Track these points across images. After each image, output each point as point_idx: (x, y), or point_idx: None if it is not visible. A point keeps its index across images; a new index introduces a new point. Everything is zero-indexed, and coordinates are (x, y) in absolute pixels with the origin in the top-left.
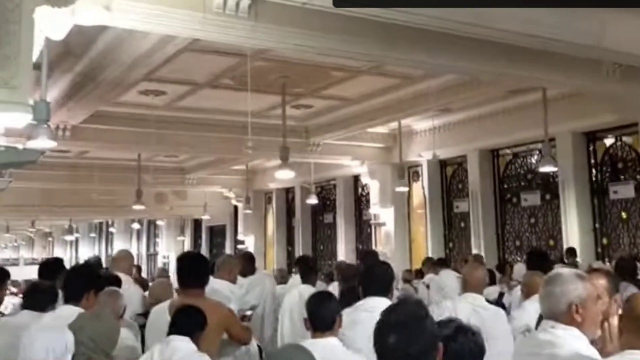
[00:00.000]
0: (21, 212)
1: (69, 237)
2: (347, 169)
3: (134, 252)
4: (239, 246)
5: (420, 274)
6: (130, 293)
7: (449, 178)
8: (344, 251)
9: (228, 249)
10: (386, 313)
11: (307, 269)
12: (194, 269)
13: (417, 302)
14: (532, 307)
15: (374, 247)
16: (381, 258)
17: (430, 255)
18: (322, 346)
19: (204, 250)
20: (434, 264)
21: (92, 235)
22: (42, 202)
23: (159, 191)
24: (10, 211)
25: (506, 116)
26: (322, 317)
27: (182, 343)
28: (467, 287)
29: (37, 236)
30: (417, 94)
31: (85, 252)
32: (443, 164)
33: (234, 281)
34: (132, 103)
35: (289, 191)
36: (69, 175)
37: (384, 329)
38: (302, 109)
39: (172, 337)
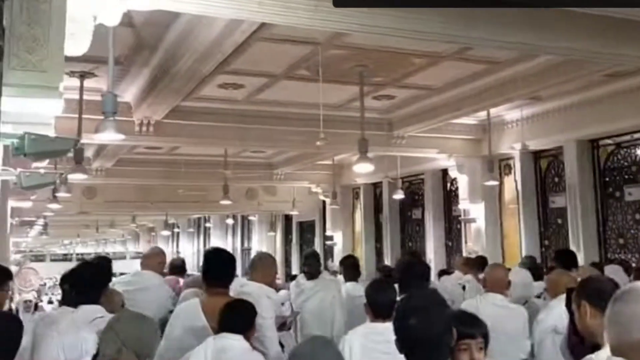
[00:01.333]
0: (120, 208)
1: (165, 233)
2: (435, 162)
3: (228, 247)
4: (328, 242)
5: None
6: (158, 290)
7: (544, 171)
8: (433, 248)
9: (317, 245)
10: (407, 299)
11: (350, 267)
12: (219, 267)
13: (434, 291)
14: (559, 308)
15: (464, 244)
16: (471, 256)
17: (524, 253)
18: (380, 330)
19: (295, 246)
20: (473, 264)
21: (191, 230)
22: (138, 198)
23: (249, 187)
24: (110, 207)
25: (607, 103)
26: (380, 303)
27: (235, 341)
28: (487, 286)
29: (142, 231)
30: (505, 80)
31: (185, 247)
32: (537, 156)
33: (271, 283)
34: (212, 97)
35: (376, 186)
36: (161, 172)
37: (405, 312)
38: (384, 100)
39: (224, 334)
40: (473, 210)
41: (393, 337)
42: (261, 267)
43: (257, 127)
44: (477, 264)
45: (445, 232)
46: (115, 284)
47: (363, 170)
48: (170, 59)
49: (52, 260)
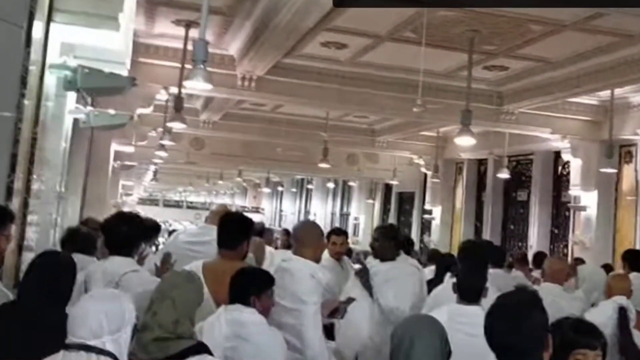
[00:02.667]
0: (225, 161)
1: (266, 190)
2: (546, 143)
3: (327, 211)
4: (426, 216)
5: None
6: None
7: None
8: (536, 233)
9: (415, 218)
10: (501, 297)
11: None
12: (229, 229)
13: (533, 292)
14: (610, 307)
15: (570, 233)
16: (577, 247)
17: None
18: (466, 312)
19: (392, 217)
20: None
21: (293, 190)
22: (242, 153)
23: (350, 152)
24: (215, 159)
25: None
26: (469, 287)
27: (250, 315)
28: (546, 278)
29: (249, 186)
30: (635, 57)
31: (287, 206)
32: None
33: (317, 259)
34: (314, 56)
35: (481, 163)
36: (264, 129)
37: (494, 312)
38: (495, 71)
39: (237, 306)
40: (585, 197)
41: (479, 320)
42: (308, 240)
43: (357, 91)
44: (531, 261)
45: (551, 219)
46: (180, 234)
47: (465, 144)
48: (271, 11)
49: (164, 205)
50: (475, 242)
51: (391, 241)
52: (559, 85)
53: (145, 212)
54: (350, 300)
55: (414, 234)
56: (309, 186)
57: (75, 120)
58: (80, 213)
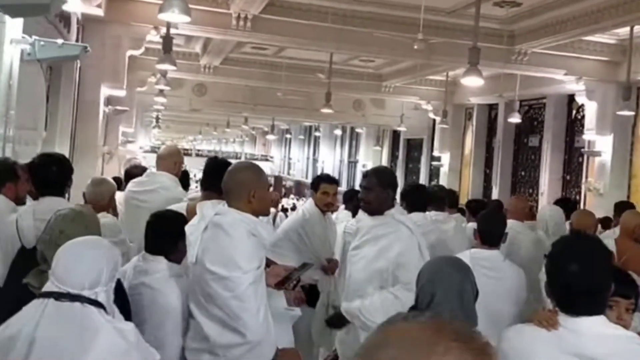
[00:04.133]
0: (228, 108)
1: (271, 137)
2: (560, 85)
3: (336, 158)
4: (434, 163)
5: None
6: (169, 193)
7: None
8: (547, 180)
9: (423, 165)
10: (568, 242)
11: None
12: (210, 172)
13: (597, 239)
14: None
15: (584, 179)
16: (590, 194)
17: None
18: (487, 256)
19: (400, 164)
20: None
21: (301, 137)
22: (245, 99)
23: (357, 98)
24: (219, 106)
25: None
26: (492, 232)
27: (157, 265)
28: (509, 215)
29: (258, 134)
30: None
31: (296, 153)
32: None
33: (258, 212)
34: None
35: (491, 108)
36: (266, 74)
37: (565, 257)
38: (507, 8)
39: (144, 256)
40: (599, 142)
41: (499, 264)
42: (242, 186)
43: (358, 30)
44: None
45: (564, 165)
46: (130, 183)
47: (472, 84)
48: None
49: None
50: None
51: (387, 189)
52: (575, 21)
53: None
54: (306, 266)
55: (422, 181)
56: (317, 133)
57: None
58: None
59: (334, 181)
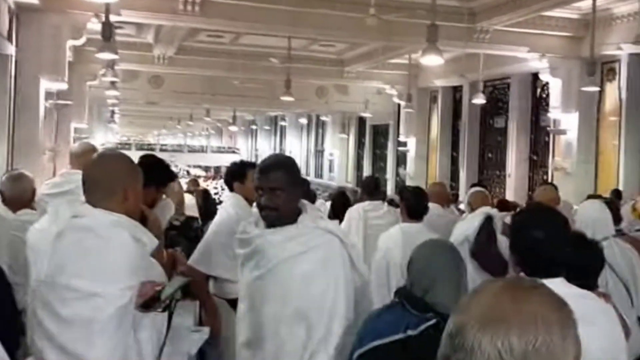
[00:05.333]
0: (187, 100)
1: (233, 128)
2: (524, 64)
3: (303, 147)
4: (400, 148)
5: None
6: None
7: None
8: (514, 161)
9: (390, 151)
10: (531, 211)
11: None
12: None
13: (555, 210)
14: (477, 219)
15: (550, 158)
16: (558, 174)
17: (621, 175)
18: (416, 229)
19: (368, 150)
20: None
21: (267, 127)
22: (204, 90)
23: (320, 85)
24: (178, 98)
25: None
26: (416, 207)
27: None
28: (430, 199)
29: (224, 126)
30: None
31: (262, 144)
32: None
33: (131, 211)
34: None
35: (456, 90)
36: (224, 63)
37: (530, 223)
38: None
39: None
40: (565, 120)
41: (424, 235)
42: (114, 183)
43: (312, 12)
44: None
45: (530, 145)
46: (43, 185)
47: (431, 63)
48: None
49: (137, 149)
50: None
51: (298, 186)
52: None
53: None
54: (180, 280)
55: (390, 168)
56: (283, 123)
57: None
58: (8, 159)
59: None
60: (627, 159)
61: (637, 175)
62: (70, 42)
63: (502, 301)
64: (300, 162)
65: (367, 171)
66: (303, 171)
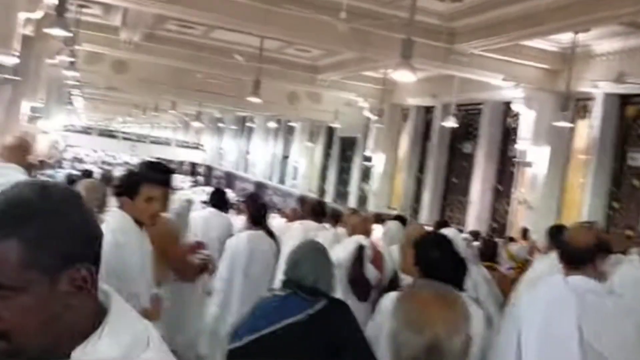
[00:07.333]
0: (151, 89)
1: (197, 124)
2: (497, 92)
3: (268, 152)
4: (366, 163)
5: None
6: None
7: (630, 120)
8: (479, 189)
9: (356, 165)
10: (429, 234)
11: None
12: None
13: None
14: (352, 245)
15: (513, 189)
16: (520, 207)
17: (585, 214)
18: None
19: (335, 162)
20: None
21: (234, 127)
22: (170, 81)
23: (293, 90)
24: (142, 86)
25: None
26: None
27: None
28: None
29: (191, 121)
30: None
31: (229, 144)
32: (624, 100)
33: None
34: None
35: (428, 110)
36: (193, 55)
37: (428, 244)
38: (448, 3)
39: None
40: (533, 153)
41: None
42: None
43: (285, 12)
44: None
45: (496, 174)
46: None
47: (403, 79)
48: None
49: (98, 134)
50: None
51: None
52: (517, 22)
53: (72, 140)
54: None
55: (354, 182)
56: (251, 124)
57: None
58: None
59: (166, 178)
60: (593, 199)
61: (600, 216)
62: (25, 15)
63: None
64: (264, 166)
65: (331, 182)
66: (267, 176)
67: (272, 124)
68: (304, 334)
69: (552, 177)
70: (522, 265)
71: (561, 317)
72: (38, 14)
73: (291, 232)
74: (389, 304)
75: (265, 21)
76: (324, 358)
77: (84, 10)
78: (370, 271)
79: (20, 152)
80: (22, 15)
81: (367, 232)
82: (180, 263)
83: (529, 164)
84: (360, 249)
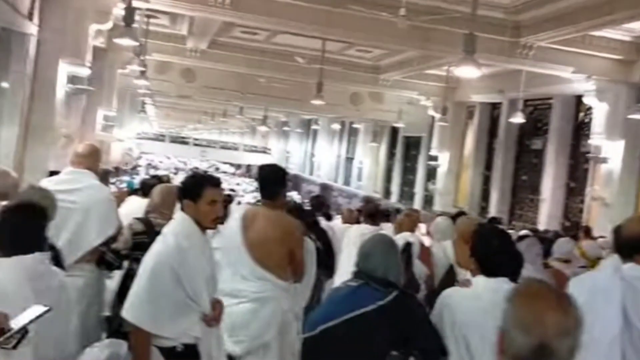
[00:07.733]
0: (219, 95)
1: (263, 128)
2: (568, 85)
3: (333, 154)
4: (431, 162)
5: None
6: (95, 192)
7: None
8: (550, 186)
9: (421, 164)
10: (487, 225)
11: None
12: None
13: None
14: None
15: (588, 187)
16: (595, 203)
17: None
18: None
19: (399, 162)
20: None
21: (299, 130)
22: (237, 87)
23: (355, 91)
24: (210, 93)
25: None
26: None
27: None
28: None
29: (258, 125)
30: None
31: (294, 146)
32: None
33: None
34: None
35: (494, 107)
36: (258, 61)
37: (489, 235)
38: None
39: None
40: (608, 148)
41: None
42: None
43: (347, 13)
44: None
45: (568, 170)
46: (45, 181)
47: (467, 75)
48: None
49: (170, 141)
50: None
51: None
52: (586, 12)
53: (146, 147)
54: (38, 311)
55: (419, 181)
56: (315, 127)
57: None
58: (20, 144)
59: (219, 183)
60: None
61: None
62: (95, 27)
63: None
64: (329, 168)
65: (396, 183)
66: (332, 178)
67: (336, 126)
68: (376, 323)
69: (628, 172)
70: (594, 264)
71: (605, 299)
72: (108, 25)
73: (348, 237)
74: (449, 298)
75: (327, 23)
76: (394, 347)
77: (152, 20)
78: (418, 267)
79: (92, 158)
80: (92, 27)
81: (413, 229)
82: (300, 266)
83: (604, 160)
84: (408, 245)
